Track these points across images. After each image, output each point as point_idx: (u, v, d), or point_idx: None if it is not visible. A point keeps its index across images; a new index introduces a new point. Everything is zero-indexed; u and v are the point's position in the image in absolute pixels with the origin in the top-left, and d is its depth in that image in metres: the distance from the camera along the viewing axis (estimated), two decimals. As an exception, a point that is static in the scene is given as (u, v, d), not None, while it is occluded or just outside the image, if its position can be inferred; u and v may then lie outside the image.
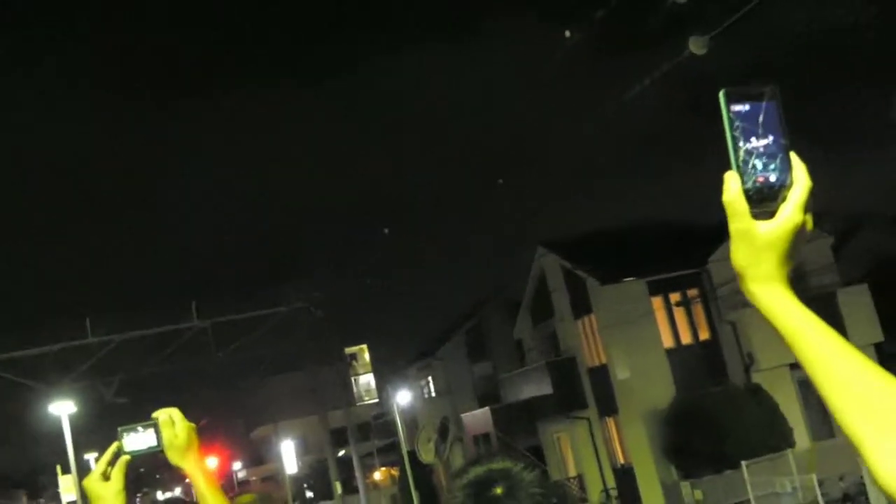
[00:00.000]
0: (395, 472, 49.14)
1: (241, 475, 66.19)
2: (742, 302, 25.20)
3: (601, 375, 27.07)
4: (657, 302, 26.01)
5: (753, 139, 1.11)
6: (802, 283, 25.69)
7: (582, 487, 28.98)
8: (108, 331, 25.11)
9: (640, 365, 25.19)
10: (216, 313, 26.10)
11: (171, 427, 2.06)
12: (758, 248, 1.14)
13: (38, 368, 24.90)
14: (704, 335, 26.27)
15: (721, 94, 1.11)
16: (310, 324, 28.13)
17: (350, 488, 37.44)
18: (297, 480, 52.46)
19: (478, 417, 32.80)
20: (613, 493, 27.05)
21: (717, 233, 26.49)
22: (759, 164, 1.11)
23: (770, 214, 1.13)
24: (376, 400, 56.61)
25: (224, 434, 63.73)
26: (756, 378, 24.45)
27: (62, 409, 24.89)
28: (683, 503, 23.12)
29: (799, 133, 1.25)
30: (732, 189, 1.12)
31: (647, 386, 24.87)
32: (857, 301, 25.15)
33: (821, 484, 17.56)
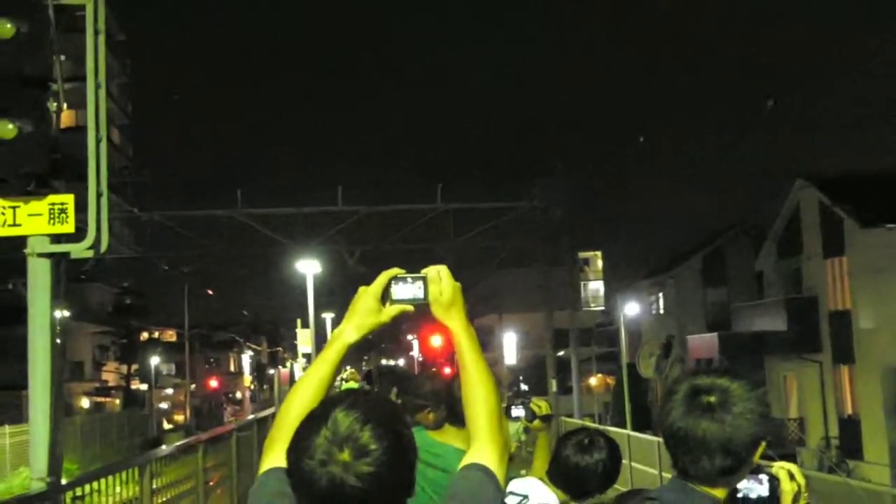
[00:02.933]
0: (610, 380, 49.33)
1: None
2: None
3: (843, 321, 25.85)
4: (920, 253, 24.33)
5: None
6: None
7: (802, 430, 28.11)
8: (356, 202, 26.39)
9: (888, 316, 23.80)
10: (459, 199, 26.80)
11: (438, 283, 2.09)
12: None
13: (290, 227, 26.56)
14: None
15: None
16: (547, 222, 28.33)
17: (564, 388, 37.94)
18: (513, 371, 53.74)
19: (704, 341, 32.23)
20: (835, 441, 26.06)
21: None
22: None
23: None
24: (602, 308, 56.87)
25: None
26: None
27: (308, 267, 26.53)
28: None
29: None
30: None
31: (892, 338, 23.52)
32: None
33: None
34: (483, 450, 1.95)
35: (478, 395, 2.03)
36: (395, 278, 2.12)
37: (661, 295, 41.96)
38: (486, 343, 64.56)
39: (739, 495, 2.13)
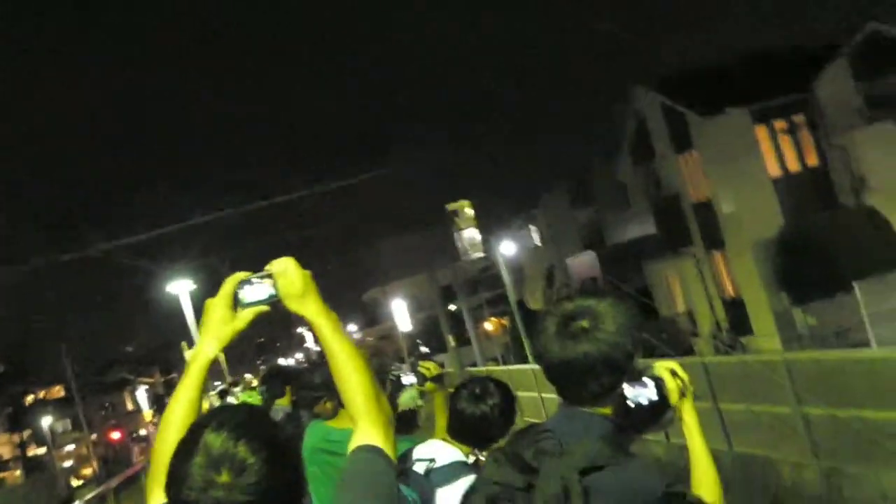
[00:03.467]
0: (505, 321, 50.04)
1: (356, 336, 68.42)
2: (852, 124, 24.34)
3: (706, 210, 26.68)
4: (761, 131, 25.22)
5: None
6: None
7: (692, 322, 29.05)
8: (216, 209, 25.89)
9: (746, 197, 24.70)
10: (318, 180, 26.58)
11: (286, 276, 2.04)
12: None
13: (155, 251, 25.93)
14: (812, 162, 25.46)
15: None
16: (412, 184, 28.40)
17: (463, 340, 38.32)
18: (411, 337, 53.95)
19: (584, 262, 32.93)
20: (724, 324, 27.03)
21: (825, 54, 25.45)
22: None
23: None
24: (482, 254, 57.46)
25: (336, 299, 65.76)
26: (869, 199, 23.75)
27: (181, 287, 25.96)
28: (796, 329, 22.99)
29: None
30: None
31: (754, 217, 24.42)
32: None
33: (938, 298, 17.17)
34: (366, 429, 1.94)
35: (349, 377, 2.00)
36: (242, 282, 2.06)
37: (534, 227, 42.62)
38: (379, 316, 64.67)
39: (630, 404, 2.17)
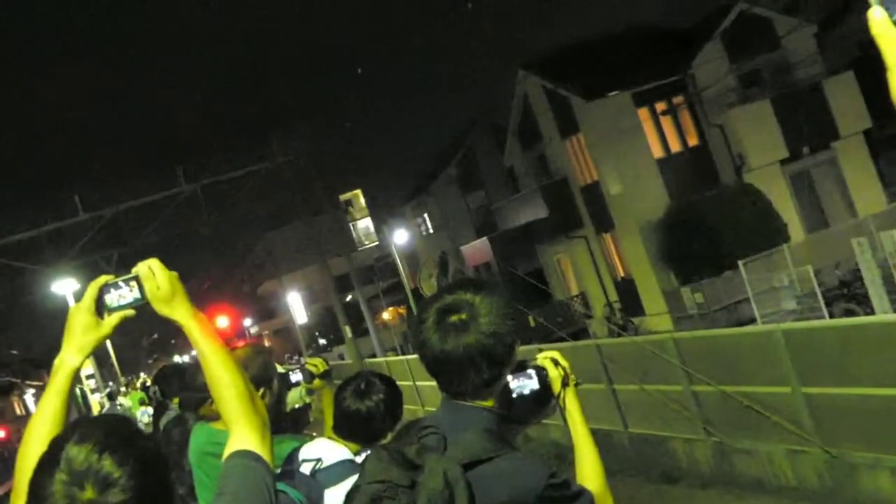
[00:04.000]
0: (402, 310, 50.02)
1: (253, 331, 67.49)
2: (728, 103, 25.04)
3: (594, 193, 27.11)
4: (643, 113, 25.74)
5: None
6: (787, 76, 25.44)
7: (586, 304, 29.51)
8: (98, 205, 25.05)
9: (632, 177, 25.18)
10: (204, 176, 26.01)
11: (152, 278, 1.99)
12: None
13: (36, 251, 25.00)
14: (693, 141, 26.10)
15: None
16: (298, 175, 28.03)
17: (360, 331, 38.12)
18: (308, 329, 53.51)
19: (477, 248, 33.10)
20: (617, 305, 27.55)
21: (699, 35, 26.10)
22: None
23: None
24: (376, 243, 57.29)
25: (231, 293, 64.68)
26: (748, 178, 24.49)
27: (65, 287, 25.13)
28: (685, 307, 23.56)
29: None
30: (880, 20, 1.08)
31: (640, 197, 24.93)
32: (844, 90, 24.92)
33: (817, 274, 17.77)
34: (242, 435, 1.90)
35: (222, 380, 1.96)
36: (106, 286, 1.99)
37: (426, 215, 42.63)
38: (276, 309, 63.95)
39: (514, 395, 2.18)
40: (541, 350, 2.42)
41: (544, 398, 2.24)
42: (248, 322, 66.35)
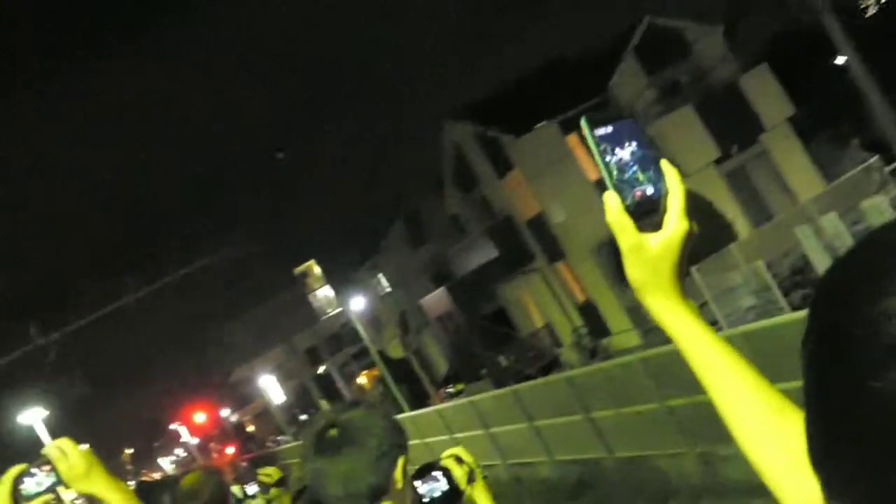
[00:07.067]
0: (377, 372, 49.77)
1: (232, 419, 66.59)
2: (654, 114, 25.44)
3: (539, 224, 27.27)
4: (573, 139, 26.00)
5: (622, 156, 1.11)
6: (705, 79, 25.93)
7: (552, 335, 29.57)
8: (52, 328, 24.77)
9: (573, 203, 25.35)
10: (152, 280, 25.88)
11: (64, 459, 1.97)
12: (650, 260, 1.12)
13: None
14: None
15: (583, 121, 1.12)
16: (244, 263, 28.02)
17: (338, 400, 37.85)
18: (288, 408, 53.01)
19: (436, 299, 33.08)
20: (583, 330, 27.63)
21: (614, 55, 26.57)
22: (634, 179, 1.11)
23: (656, 226, 1.12)
24: (339, 309, 57.17)
25: (203, 389, 63.91)
26: (685, 184, 24.77)
27: (33, 416, 24.68)
28: (648, 321, 23.67)
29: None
30: (613, 208, 1.10)
31: (585, 221, 25.04)
32: (762, 83, 25.41)
33: (769, 267, 17.99)
34: None
35: None
36: (20, 476, 1.96)
37: (380, 275, 42.59)
38: (251, 394, 63.22)
39: (426, 500, 2.26)
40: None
41: (454, 497, 2.29)
42: (225, 412, 65.53)
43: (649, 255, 1.12)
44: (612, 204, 1.10)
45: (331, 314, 57.64)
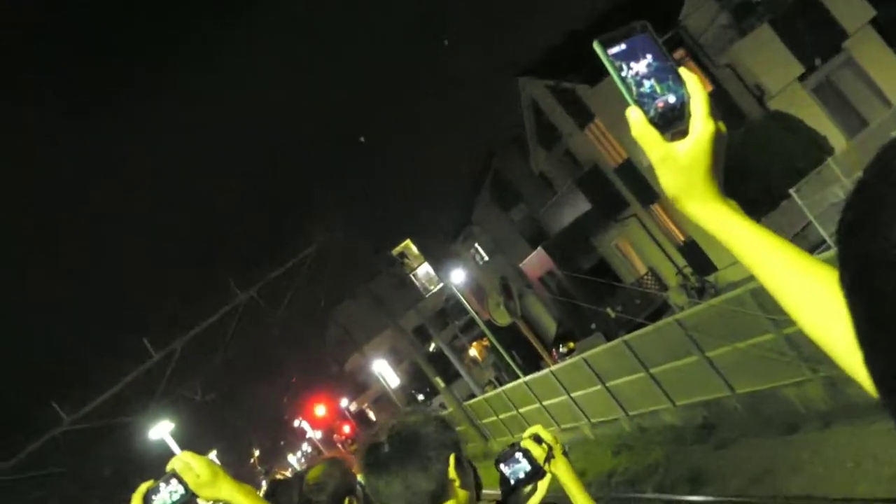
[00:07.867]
0: (487, 342, 49.83)
1: (352, 408, 67.57)
2: (729, 38, 24.68)
3: (628, 170, 26.84)
4: (650, 78, 25.44)
5: (638, 69, 1.12)
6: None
7: (657, 279, 29.13)
8: (167, 341, 25.39)
9: (658, 144, 24.83)
10: (255, 280, 26.30)
11: (190, 470, 2.07)
12: (682, 168, 1.12)
13: (124, 406, 25.36)
14: (709, 88, 25.70)
15: (595, 44, 1.11)
16: (343, 249, 28.22)
17: (452, 375, 38.06)
18: (404, 389, 53.58)
19: (535, 260, 32.91)
20: (688, 270, 27.12)
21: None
22: (653, 90, 1.11)
23: (683, 133, 1.12)
24: (441, 285, 57.57)
25: (320, 380, 65.03)
26: (772, 105, 24.04)
27: (162, 430, 25.42)
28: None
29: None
30: (637, 122, 1.10)
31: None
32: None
33: (870, 175, 17.32)
34: None
35: None
36: (149, 492, 2.05)
37: (476, 245, 42.57)
38: (367, 381, 64.11)
39: (512, 482, 2.36)
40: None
41: (538, 475, 2.38)
42: (344, 402, 66.53)
43: (681, 164, 1.12)
44: (636, 118, 1.10)
45: (434, 291, 57.97)
